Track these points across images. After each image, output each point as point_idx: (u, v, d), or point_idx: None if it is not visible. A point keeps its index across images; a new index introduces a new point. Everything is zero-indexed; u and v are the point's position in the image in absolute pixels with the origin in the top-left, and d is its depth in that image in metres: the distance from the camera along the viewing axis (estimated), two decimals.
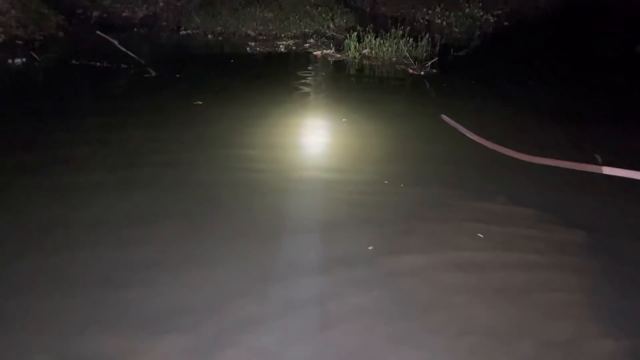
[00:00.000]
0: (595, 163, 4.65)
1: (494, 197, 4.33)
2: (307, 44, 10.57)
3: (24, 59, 7.95)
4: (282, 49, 10.16)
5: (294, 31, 11.38)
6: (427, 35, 9.61)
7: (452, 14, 13.48)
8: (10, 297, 2.95)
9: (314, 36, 11.18)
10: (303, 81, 7.76)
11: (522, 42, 11.90)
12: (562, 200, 4.37)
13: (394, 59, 9.29)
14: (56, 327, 2.75)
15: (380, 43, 9.45)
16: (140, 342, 2.67)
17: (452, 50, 10.15)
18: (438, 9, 13.57)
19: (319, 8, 12.32)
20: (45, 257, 3.32)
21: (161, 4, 11.85)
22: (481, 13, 13.79)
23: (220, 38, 10.84)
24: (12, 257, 3.29)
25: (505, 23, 13.67)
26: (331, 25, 11.77)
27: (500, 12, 14.05)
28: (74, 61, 7.99)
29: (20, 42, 8.97)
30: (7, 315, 2.82)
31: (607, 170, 4.36)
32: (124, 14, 11.49)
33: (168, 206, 4.00)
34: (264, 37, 10.98)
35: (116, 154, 4.86)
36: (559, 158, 4.84)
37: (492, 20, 13.71)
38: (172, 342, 2.68)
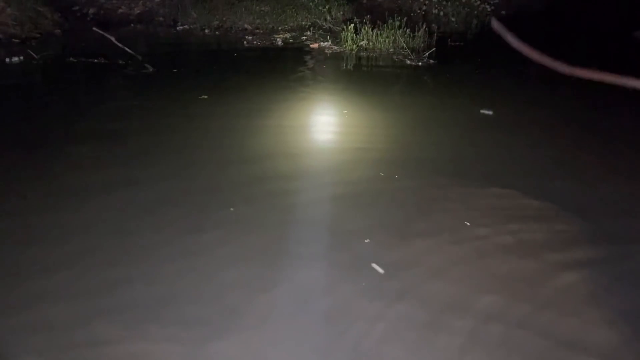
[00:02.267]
0: None
1: (496, 187, 4.36)
2: (304, 37, 10.56)
3: (21, 57, 7.95)
4: (279, 43, 10.15)
5: (291, 24, 11.37)
6: (424, 26, 9.61)
7: (449, 3, 13.44)
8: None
9: (311, 29, 11.17)
10: (302, 74, 7.76)
11: (520, 31, 11.86)
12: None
13: (391, 50, 9.29)
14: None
15: (377, 34, 9.45)
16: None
17: (449, 41, 10.14)
18: None
19: (316, 0, 12.29)
20: (49, 254, 3.35)
21: None
22: (478, 2, 13.74)
23: (217, 33, 10.83)
24: (10, 248, 3.33)
25: (503, 12, 13.62)
26: (328, 18, 11.75)
27: (497, 1, 14.00)
28: (71, 59, 7.99)
29: (16, 40, 8.97)
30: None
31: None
32: (120, 11, 11.47)
33: (177, 204, 4.03)
34: (261, 31, 10.97)
35: (118, 150, 4.88)
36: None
37: (489, 9, 13.66)
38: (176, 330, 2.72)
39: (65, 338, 2.68)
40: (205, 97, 6.33)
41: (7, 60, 7.86)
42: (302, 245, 3.52)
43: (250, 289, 3.05)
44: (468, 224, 3.76)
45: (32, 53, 8.06)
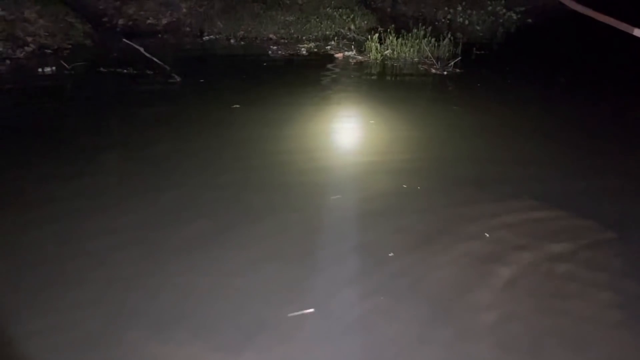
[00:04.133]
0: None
1: (520, 199, 4.30)
2: (328, 46, 10.59)
3: (53, 68, 8.16)
4: (304, 52, 10.20)
5: (315, 34, 11.42)
6: (449, 35, 9.56)
7: (474, 12, 13.34)
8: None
9: (335, 38, 11.20)
10: (327, 84, 7.79)
11: (546, 39, 11.71)
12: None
13: (416, 59, 9.26)
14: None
15: (401, 43, 9.43)
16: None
17: (474, 49, 10.06)
18: (460, 8, 13.43)
19: (340, 10, 12.32)
20: (72, 261, 3.41)
21: (184, 10, 12.01)
22: (504, 11, 13.61)
23: (242, 42, 10.94)
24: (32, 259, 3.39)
25: (529, 20, 13.47)
26: (352, 27, 11.76)
27: (523, 9, 13.84)
28: (102, 69, 8.17)
29: (49, 51, 9.20)
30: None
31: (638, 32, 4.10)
32: (148, 21, 11.68)
33: (200, 207, 4.06)
34: (286, 41, 11.04)
35: (146, 159, 4.96)
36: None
37: (514, 17, 13.52)
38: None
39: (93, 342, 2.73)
40: (237, 106, 6.41)
41: (40, 70, 8.06)
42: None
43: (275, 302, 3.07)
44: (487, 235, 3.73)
45: (64, 63, 8.25)
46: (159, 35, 11.13)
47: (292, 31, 11.42)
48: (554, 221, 3.97)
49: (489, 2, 13.69)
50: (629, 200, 4.33)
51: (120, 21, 11.47)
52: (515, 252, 3.56)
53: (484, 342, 2.80)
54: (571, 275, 3.36)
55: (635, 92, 7.45)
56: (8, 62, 8.43)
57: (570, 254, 3.56)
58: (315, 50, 10.38)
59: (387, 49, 9.46)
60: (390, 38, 9.54)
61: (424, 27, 9.74)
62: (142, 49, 8.60)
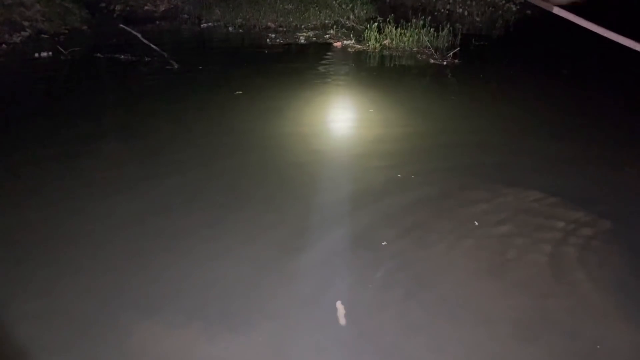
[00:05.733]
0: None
1: (514, 187, 4.31)
2: (327, 35, 10.54)
3: (50, 53, 8.10)
4: (303, 41, 10.16)
5: (314, 22, 11.35)
6: (449, 25, 9.52)
7: (474, 3, 13.28)
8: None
9: (334, 27, 11.13)
10: (326, 72, 7.76)
11: (545, 31, 11.68)
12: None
13: (415, 49, 9.23)
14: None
15: (400, 33, 9.40)
16: None
17: (473, 40, 10.03)
18: None
19: None
20: (69, 245, 3.42)
21: None
22: (503, 2, 13.55)
23: (240, 30, 10.88)
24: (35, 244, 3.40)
25: (528, 12, 13.42)
26: (351, 16, 11.70)
27: (522, 0, 13.78)
28: (98, 54, 8.12)
29: (45, 36, 9.13)
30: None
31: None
32: (146, 7, 11.59)
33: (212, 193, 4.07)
34: (284, 29, 10.98)
35: (144, 145, 4.95)
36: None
37: (514, 8, 13.47)
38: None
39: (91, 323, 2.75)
40: (240, 92, 6.41)
41: (37, 55, 8.01)
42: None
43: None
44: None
45: (60, 49, 8.20)
46: (157, 22, 11.05)
47: (291, 19, 11.35)
48: (548, 210, 3.98)
49: None
50: (629, 191, 4.35)
51: (118, 7, 11.38)
52: (506, 240, 3.59)
53: (475, 325, 2.83)
54: (564, 263, 3.39)
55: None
56: (4, 46, 8.36)
57: (563, 242, 3.59)
58: (314, 39, 10.33)
59: (386, 39, 9.43)
60: (390, 27, 9.51)
61: (423, 17, 9.70)
62: (139, 35, 8.55)
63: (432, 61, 8.61)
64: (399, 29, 9.45)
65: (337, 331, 2.78)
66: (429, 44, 9.10)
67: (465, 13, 13.05)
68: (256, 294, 3.01)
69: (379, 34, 9.47)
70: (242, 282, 3.12)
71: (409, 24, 9.58)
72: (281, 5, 11.75)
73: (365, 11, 12.02)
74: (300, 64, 8.40)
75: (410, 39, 9.31)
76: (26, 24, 9.24)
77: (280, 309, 2.91)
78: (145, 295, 2.97)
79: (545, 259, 3.42)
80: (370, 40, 9.41)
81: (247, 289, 3.05)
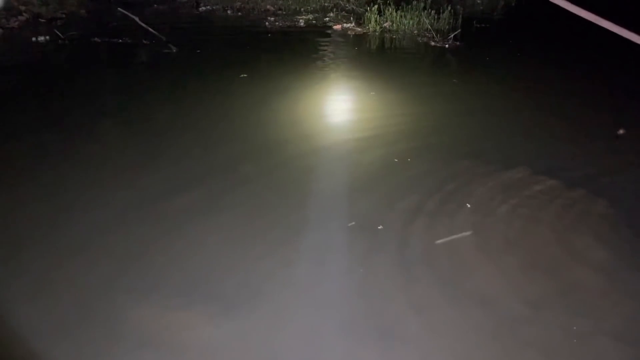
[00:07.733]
0: None
1: (517, 169, 4.30)
2: (326, 18, 10.44)
3: (47, 37, 8.03)
4: (302, 24, 10.06)
5: (313, 5, 11.23)
6: (449, 7, 9.43)
7: None
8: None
9: (334, 10, 11.03)
10: (326, 56, 7.71)
11: (547, 14, 11.55)
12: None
13: (415, 31, 9.15)
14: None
15: (401, 16, 9.32)
16: None
17: (474, 22, 9.94)
18: None
19: None
20: (66, 229, 3.42)
21: None
22: None
23: (239, 14, 10.77)
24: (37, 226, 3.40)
25: None
26: None
27: None
28: (96, 39, 8.05)
29: (42, 20, 9.04)
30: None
31: None
32: None
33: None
34: (284, 12, 10.87)
35: (144, 129, 4.93)
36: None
37: None
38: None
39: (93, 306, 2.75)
40: (245, 75, 6.38)
41: (34, 39, 7.93)
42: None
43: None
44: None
45: (58, 33, 8.12)
46: (155, 6, 10.93)
47: (290, 2, 11.23)
48: (548, 194, 3.97)
49: None
50: (629, 175, 4.33)
51: None
52: (506, 220, 3.59)
53: (472, 306, 2.84)
54: (560, 244, 3.39)
55: None
56: (1, 31, 8.28)
57: (558, 223, 3.59)
58: (314, 22, 10.23)
59: (387, 21, 9.34)
60: (390, 10, 9.42)
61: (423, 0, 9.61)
62: (137, 19, 8.46)
63: (432, 44, 8.54)
64: (399, 12, 9.36)
65: (333, 314, 2.78)
66: (429, 27, 9.02)
67: None
68: (253, 277, 3.01)
69: (379, 16, 9.38)
70: (240, 264, 3.11)
71: (410, 6, 9.48)
72: None
73: None
74: (300, 47, 8.33)
75: (411, 22, 9.23)
76: (23, 8, 9.14)
77: (276, 291, 2.91)
78: (142, 278, 2.97)
79: (545, 239, 3.42)
80: (370, 23, 9.32)
81: (244, 272, 3.05)
